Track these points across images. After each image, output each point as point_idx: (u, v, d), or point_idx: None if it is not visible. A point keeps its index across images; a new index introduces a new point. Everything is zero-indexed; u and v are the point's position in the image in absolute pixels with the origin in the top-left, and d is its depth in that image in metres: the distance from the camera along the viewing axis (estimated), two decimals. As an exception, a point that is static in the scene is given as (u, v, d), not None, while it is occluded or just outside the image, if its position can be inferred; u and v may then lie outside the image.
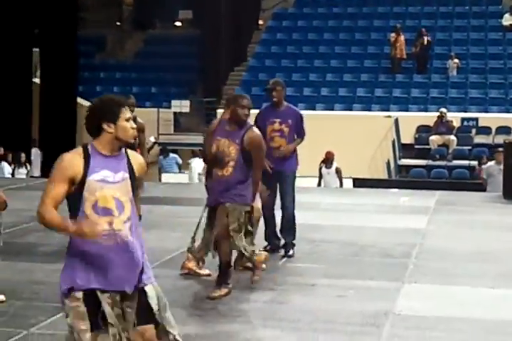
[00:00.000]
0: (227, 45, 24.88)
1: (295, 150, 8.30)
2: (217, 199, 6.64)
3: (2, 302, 6.39)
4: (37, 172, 18.63)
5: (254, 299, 6.73)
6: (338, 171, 16.22)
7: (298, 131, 8.26)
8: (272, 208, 8.29)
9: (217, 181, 6.63)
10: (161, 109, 22.77)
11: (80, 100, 22.90)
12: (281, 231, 8.38)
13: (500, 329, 5.97)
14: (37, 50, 22.00)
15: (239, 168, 6.55)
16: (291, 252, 8.28)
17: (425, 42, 23.85)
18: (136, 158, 4.02)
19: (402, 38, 24.03)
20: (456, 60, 23.82)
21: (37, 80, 22.45)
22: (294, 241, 8.35)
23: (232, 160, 6.51)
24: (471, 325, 6.04)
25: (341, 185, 16.13)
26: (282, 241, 8.44)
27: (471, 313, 6.38)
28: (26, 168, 18.53)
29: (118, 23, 29.98)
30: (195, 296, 6.71)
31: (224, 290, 6.55)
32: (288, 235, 8.31)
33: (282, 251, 8.35)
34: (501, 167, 13.51)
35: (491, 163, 15.20)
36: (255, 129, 6.72)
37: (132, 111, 9.46)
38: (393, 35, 24.14)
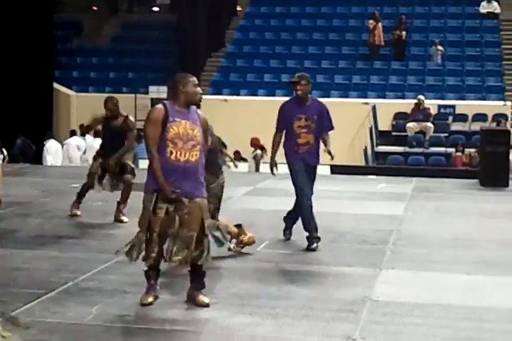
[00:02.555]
0: (205, 30, 24.75)
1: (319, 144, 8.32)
2: (188, 192, 5.93)
3: None
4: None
5: (232, 285, 6.72)
6: (254, 157, 17.70)
7: (323, 125, 8.19)
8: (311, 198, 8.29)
9: (182, 168, 5.91)
10: (138, 95, 22.65)
11: (56, 85, 22.73)
12: (304, 223, 8.27)
13: (476, 315, 6.01)
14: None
15: (202, 153, 6.03)
16: (314, 245, 8.12)
17: (403, 35, 23.82)
18: None
19: (379, 24, 24.03)
20: (440, 47, 23.86)
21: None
22: (318, 235, 8.21)
23: (198, 143, 5.95)
24: (448, 311, 6.08)
25: (256, 170, 17.41)
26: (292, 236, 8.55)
27: (447, 299, 6.42)
28: (2, 152, 18.34)
29: (95, 8, 29.71)
30: (174, 282, 6.69)
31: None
32: (312, 227, 8.21)
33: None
34: None
35: None
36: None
37: (117, 110, 9.61)
38: (371, 21, 24.14)
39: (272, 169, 8.32)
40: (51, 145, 17.42)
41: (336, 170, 16.15)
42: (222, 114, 19.29)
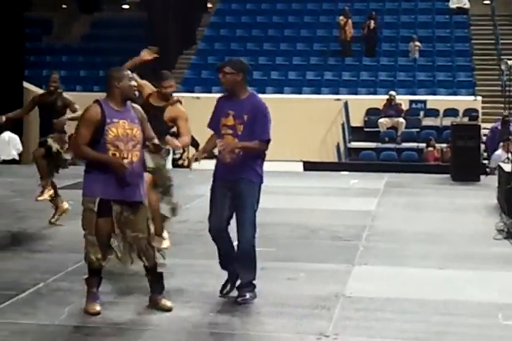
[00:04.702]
0: (175, 28, 24.66)
1: (261, 157, 6.18)
2: (131, 196, 5.74)
3: None
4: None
5: (204, 284, 6.69)
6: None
7: (253, 130, 6.05)
8: (223, 229, 6.15)
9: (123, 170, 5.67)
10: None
11: (26, 84, 22.51)
12: (236, 264, 6.22)
13: (448, 309, 6.03)
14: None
15: (142, 152, 5.83)
16: (247, 296, 6.11)
17: (371, 25, 23.92)
18: None
19: (350, 21, 24.09)
20: (418, 43, 23.93)
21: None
22: (253, 281, 6.21)
23: (138, 143, 5.75)
24: (420, 306, 6.10)
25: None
26: None
27: (419, 294, 6.43)
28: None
29: (64, 6, 29.51)
30: (145, 282, 6.63)
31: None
32: (244, 272, 6.17)
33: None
34: (509, 155, 13.41)
35: (499, 152, 15.26)
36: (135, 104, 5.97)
37: (54, 87, 9.12)
38: (342, 18, 24.18)
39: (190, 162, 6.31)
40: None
41: (308, 166, 16.17)
42: (195, 111, 19.21)
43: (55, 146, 9.00)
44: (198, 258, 7.55)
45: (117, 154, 5.66)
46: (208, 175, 6.35)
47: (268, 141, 6.09)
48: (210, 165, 6.38)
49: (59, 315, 5.74)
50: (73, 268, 7.11)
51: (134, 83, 5.85)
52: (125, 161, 5.67)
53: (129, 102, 5.87)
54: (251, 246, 6.13)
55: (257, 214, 8.96)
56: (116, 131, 5.66)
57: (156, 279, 5.97)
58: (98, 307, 5.82)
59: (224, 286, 6.29)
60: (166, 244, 7.26)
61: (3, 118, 9.07)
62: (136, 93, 6.05)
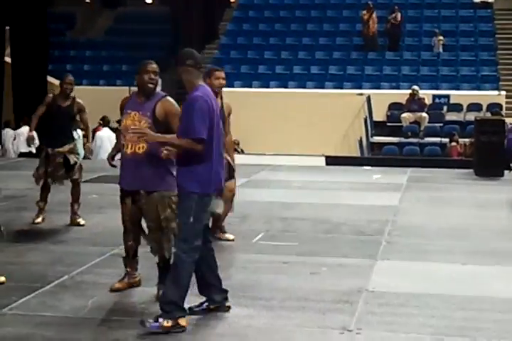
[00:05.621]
0: (198, 22, 24.70)
1: (193, 160, 5.29)
2: (141, 184, 5.88)
3: (2, 283, 6.35)
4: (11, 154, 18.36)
5: (227, 277, 6.70)
6: None
7: (184, 128, 5.30)
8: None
9: (130, 159, 5.89)
10: (132, 88, 22.52)
11: (50, 79, 22.63)
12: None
13: (472, 305, 6.01)
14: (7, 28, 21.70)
15: (154, 145, 5.65)
16: (146, 325, 5.31)
17: (398, 18, 23.84)
18: None
19: (374, 15, 24.01)
20: (441, 37, 23.81)
21: (7, 59, 22.14)
22: (176, 302, 5.32)
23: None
24: (444, 301, 6.08)
25: None
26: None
27: (443, 289, 6.42)
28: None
29: (88, 1, 29.62)
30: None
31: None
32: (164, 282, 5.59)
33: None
34: None
35: None
36: (169, 98, 5.92)
37: (71, 89, 8.77)
38: (365, 12, 24.11)
39: None
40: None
41: (330, 161, 16.13)
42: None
43: (73, 159, 8.79)
44: (221, 251, 7.56)
45: (124, 144, 5.95)
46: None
47: (198, 139, 5.18)
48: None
49: (83, 308, 5.79)
50: (97, 261, 7.16)
51: (150, 76, 5.93)
52: (128, 151, 5.91)
53: (158, 96, 5.93)
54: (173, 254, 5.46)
55: (278, 209, 8.94)
56: (125, 121, 5.94)
57: (161, 269, 6.02)
58: (117, 285, 6.16)
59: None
60: (231, 236, 7.99)
61: (33, 133, 9.00)
62: (151, 86, 5.94)
